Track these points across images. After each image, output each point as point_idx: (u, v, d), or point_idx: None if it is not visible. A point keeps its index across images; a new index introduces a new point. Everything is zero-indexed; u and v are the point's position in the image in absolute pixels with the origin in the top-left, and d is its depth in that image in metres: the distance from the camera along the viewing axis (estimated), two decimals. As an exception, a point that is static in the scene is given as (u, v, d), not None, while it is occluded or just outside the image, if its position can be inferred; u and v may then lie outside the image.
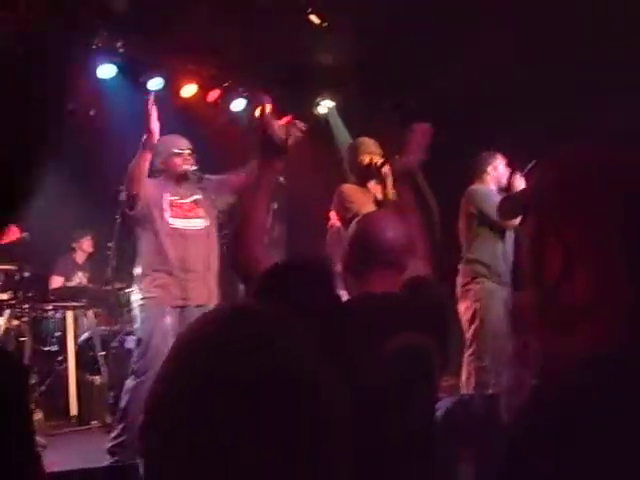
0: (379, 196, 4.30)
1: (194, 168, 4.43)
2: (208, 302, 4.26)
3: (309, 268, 1.71)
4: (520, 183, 4.99)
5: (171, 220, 4.27)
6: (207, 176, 4.46)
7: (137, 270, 4.31)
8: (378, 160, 4.36)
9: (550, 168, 1.14)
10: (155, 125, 4.15)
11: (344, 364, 1.65)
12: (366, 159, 4.40)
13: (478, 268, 4.96)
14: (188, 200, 4.38)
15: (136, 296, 4.30)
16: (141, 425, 0.86)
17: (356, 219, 2.48)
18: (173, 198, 4.32)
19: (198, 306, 4.17)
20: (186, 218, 4.33)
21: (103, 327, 6.16)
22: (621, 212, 1.00)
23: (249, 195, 2.21)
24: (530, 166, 5.11)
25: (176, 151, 4.38)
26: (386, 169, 4.28)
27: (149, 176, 4.32)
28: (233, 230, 2.29)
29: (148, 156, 4.17)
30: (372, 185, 4.38)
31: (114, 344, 5.74)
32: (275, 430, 0.80)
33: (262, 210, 2.17)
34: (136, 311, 4.27)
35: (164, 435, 0.83)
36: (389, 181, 4.28)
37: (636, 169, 1.05)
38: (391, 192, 4.33)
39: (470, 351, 4.86)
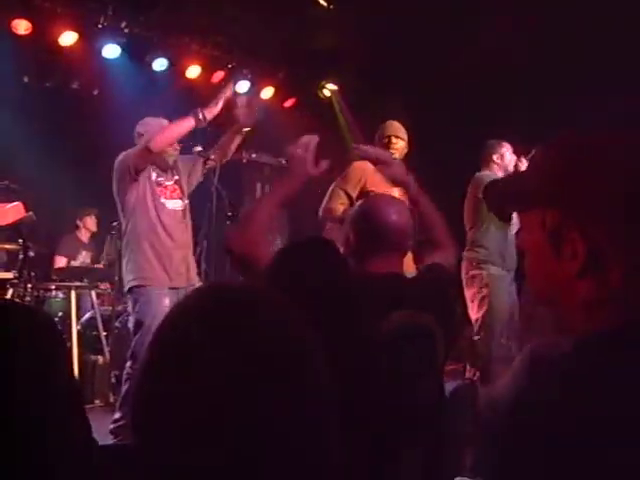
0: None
1: (199, 149, 4.43)
2: (194, 283, 4.31)
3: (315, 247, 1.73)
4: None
5: (162, 199, 4.27)
6: (181, 156, 4.45)
7: (129, 248, 4.26)
8: (396, 142, 4.53)
9: (558, 155, 1.07)
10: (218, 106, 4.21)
11: (346, 342, 1.67)
12: (388, 140, 4.57)
13: (483, 254, 4.95)
14: (171, 182, 4.38)
15: (130, 275, 4.23)
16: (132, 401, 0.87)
17: (358, 202, 2.49)
18: (160, 179, 4.31)
19: (193, 286, 4.16)
20: (171, 199, 4.33)
21: (106, 307, 6.18)
22: None
23: (265, 194, 2.28)
24: (534, 151, 5.13)
25: None
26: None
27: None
28: (235, 227, 2.32)
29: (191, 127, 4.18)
30: None
31: (117, 324, 5.76)
32: (266, 401, 0.80)
33: (268, 210, 2.19)
34: (133, 293, 4.21)
35: (154, 411, 0.83)
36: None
37: None
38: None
39: (477, 337, 4.88)
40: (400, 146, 4.66)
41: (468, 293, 4.98)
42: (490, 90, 6.23)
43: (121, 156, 4.24)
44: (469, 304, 4.97)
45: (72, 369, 1.24)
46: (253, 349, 0.82)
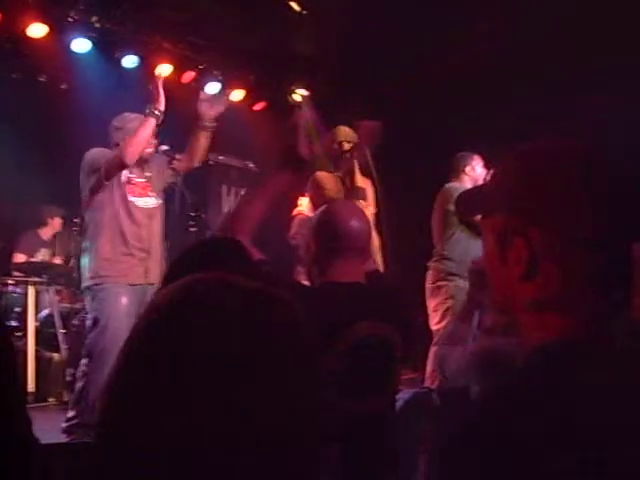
0: (348, 183, 4.41)
1: (166, 147, 4.40)
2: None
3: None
4: None
5: (130, 197, 4.23)
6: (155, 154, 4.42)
7: (92, 246, 4.21)
8: (348, 147, 4.48)
9: (514, 161, 1.10)
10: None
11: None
12: (340, 146, 4.59)
13: (450, 266, 4.98)
14: (142, 179, 4.34)
15: (90, 273, 4.19)
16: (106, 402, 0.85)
17: (319, 209, 2.50)
18: (131, 175, 4.27)
19: (152, 285, 4.13)
20: (142, 196, 4.30)
21: (64, 304, 6.09)
22: (589, 210, 0.99)
23: (254, 194, 2.25)
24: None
25: None
26: (355, 156, 4.46)
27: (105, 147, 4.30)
28: (224, 221, 2.30)
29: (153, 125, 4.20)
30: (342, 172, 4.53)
31: (75, 322, 5.68)
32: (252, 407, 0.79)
33: (259, 208, 2.18)
34: (91, 290, 4.17)
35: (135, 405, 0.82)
36: (357, 168, 4.41)
37: (604, 164, 1.03)
38: (359, 179, 4.43)
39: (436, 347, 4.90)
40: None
41: (431, 303, 5.00)
42: (461, 101, 6.28)
43: (94, 152, 4.19)
44: (431, 313, 4.99)
45: (16, 371, 1.21)
46: (238, 350, 0.80)
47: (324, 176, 4.45)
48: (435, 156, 5.32)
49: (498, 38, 5.91)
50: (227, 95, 4.59)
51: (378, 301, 2.22)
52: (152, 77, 4.30)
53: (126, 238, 4.17)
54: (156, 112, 4.18)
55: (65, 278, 6.17)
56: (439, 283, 4.99)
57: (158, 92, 4.22)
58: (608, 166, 1.03)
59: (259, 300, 0.85)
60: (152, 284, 4.15)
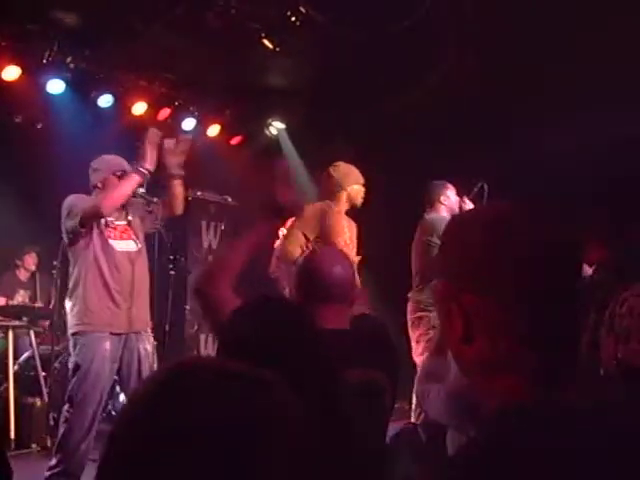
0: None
1: (142, 191, 4.37)
2: (145, 328, 4.24)
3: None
4: (469, 207, 5.11)
5: (110, 241, 4.18)
6: (133, 199, 4.39)
7: (75, 292, 4.17)
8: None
9: (448, 228, 1.13)
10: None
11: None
12: (360, 190, 4.75)
13: (429, 296, 4.97)
14: (122, 222, 4.30)
15: (74, 320, 4.15)
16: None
17: (302, 256, 2.50)
18: (109, 219, 4.22)
19: (137, 333, 4.11)
20: (122, 240, 4.26)
21: (45, 346, 6.01)
22: (513, 276, 0.99)
23: (237, 241, 2.26)
24: (476, 189, 5.26)
25: (117, 173, 4.29)
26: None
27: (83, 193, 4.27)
28: (207, 269, 2.31)
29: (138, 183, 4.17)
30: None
31: (56, 364, 5.61)
32: None
33: (241, 258, 2.18)
34: (75, 336, 4.12)
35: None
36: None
37: (532, 231, 1.03)
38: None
39: None
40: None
41: (414, 334, 5.00)
42: (436, 130, 6.36)
43: (72, 198, 4.16)
44: (414, 345, 4.98)
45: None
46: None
47: (317, 208, 4.60)
48: (411, 186, 5.37)
49: (467, 70, 6.00)
50: (188, 136, 4.55)
51: (365, 347, 2.21)
52: (145, 136, 4.24)
53: (108, 285, 4.12)
54: (144, 170, 4.13)
55: (45, 320, 6.11)
56: (419, 314, 4.99)
57: (151, 152, 4.17)
58: (529, 228, 1.03)
59: (241, 386, 0.85)
60: (137, 332, 4.12)
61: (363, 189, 4.76)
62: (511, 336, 0.99)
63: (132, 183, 4.14)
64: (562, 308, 1.00)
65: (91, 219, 4.10)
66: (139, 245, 4.32)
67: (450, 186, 5.27)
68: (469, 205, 5.14)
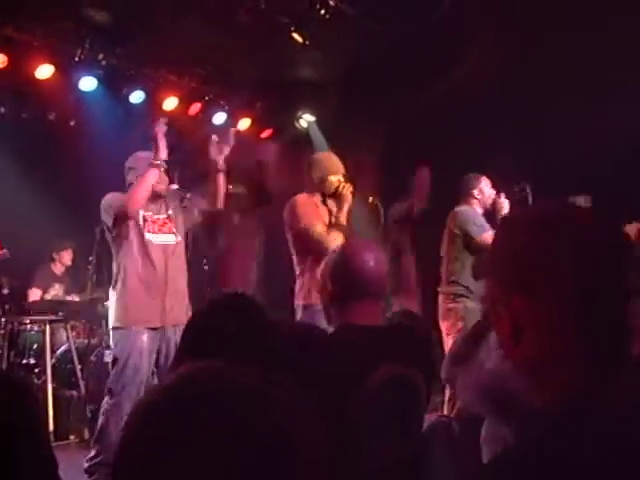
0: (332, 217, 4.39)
1: (176, 187, 4.42)
2: (182, 321, 4.26)
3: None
4: (505, 205, 5.08)
5: (147, 235, 4.23)
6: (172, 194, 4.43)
7: (115, 287, 4.25)
8: (346, 185, 4.41)
9: (498, 229, 1.14)
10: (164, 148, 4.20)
11: (329, 398, 1.65)
12: (335, 181, 4.43)
13: (458, 289, 5.00)
14: (162, 215, 4.35)
15: (113, 315, 4.23)
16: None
17: (335, 249, 2.47)
18: (147, 214, 4.28)
19: (174, 325, 4.14)
20: (161, 233, 4.30)
21: (81, 340, 6.11)
22: (568, 277, 0.99)
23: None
24: (516, 190, 5.19)
25: None
26: (348, 192, 4.39)
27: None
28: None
29: (156, 175, 4.20)
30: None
31: (92, 358, 5.69)
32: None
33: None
34: (115, 330, 4.21)
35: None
36: (346, 205, 4.35)
37: (586, 231, 1.03)
38: (344, 216, 4.37)
39: None
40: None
41: (444, 326, 5.01)
42: (471, 121, 6.28)
43: (108, 198, 4.22)
44: (445, 337, 4.97)
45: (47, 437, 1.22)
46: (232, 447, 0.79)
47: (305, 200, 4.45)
48: (446, 178, 5.30)
49: (496, 62, 5.92)
50: (233, 132, 4.54)
51: (399, 343, 2.19)
52: (153, 126, 4.27)
53: (143, 280, 4.17)
54: (157, 162, 4.19)
55: (80, 314, 6.20)
56: (449, 305, 5.01)
57: (158, 143, 4.20)
58: (588, 229, 1.03)
59: (250, 403, 0.84)
60: (173, 325, 4.15)
61: (340, 179, 4.45)
62: (561, 337, 0.99)
63: (150, 176, 4.18)
64: (616, 307, 1.00)
65: (122, 218, 4.17)
66: (178, 239, 4.37)
67: (485, 179, 5.22)
68: (505, 202, 5.11)
